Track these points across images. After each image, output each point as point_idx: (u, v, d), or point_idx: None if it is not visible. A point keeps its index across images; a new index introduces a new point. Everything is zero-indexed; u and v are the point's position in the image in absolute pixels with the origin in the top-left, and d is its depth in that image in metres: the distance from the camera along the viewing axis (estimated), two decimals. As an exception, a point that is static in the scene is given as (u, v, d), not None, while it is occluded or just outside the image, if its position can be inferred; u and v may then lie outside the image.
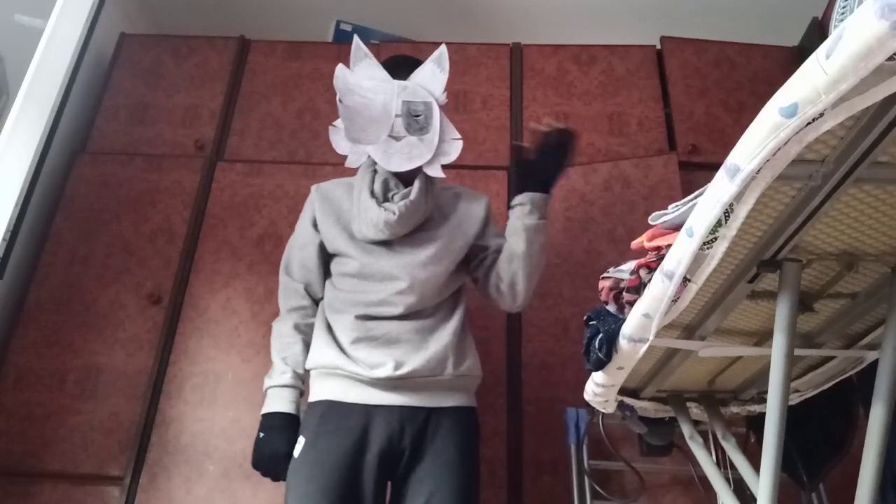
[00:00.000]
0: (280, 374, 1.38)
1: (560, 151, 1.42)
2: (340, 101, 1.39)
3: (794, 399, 1.20)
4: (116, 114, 2.31)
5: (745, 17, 2.69)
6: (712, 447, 1.31)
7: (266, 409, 1.36)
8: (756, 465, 0.89)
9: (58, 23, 2.05)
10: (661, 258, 0.88)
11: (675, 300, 0.85)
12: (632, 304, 0.98)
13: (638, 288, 0.96)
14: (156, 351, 1.92)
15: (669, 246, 0.84)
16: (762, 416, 0.86)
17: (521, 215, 1.42)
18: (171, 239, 2.07)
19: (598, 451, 1.65)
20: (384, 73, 1.41)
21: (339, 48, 2.44)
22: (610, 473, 1.68)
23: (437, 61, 1.43)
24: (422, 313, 1.38)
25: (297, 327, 1.44)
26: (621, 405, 1.31)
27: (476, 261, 1.49)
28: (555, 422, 1.77)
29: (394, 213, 1.36)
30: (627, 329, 0.98)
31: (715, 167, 0.71)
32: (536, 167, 1.43)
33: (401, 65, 1.45)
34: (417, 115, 1.38)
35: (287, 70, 2.38)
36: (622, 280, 1.01)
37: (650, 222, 0.97)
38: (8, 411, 1.84)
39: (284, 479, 1.28)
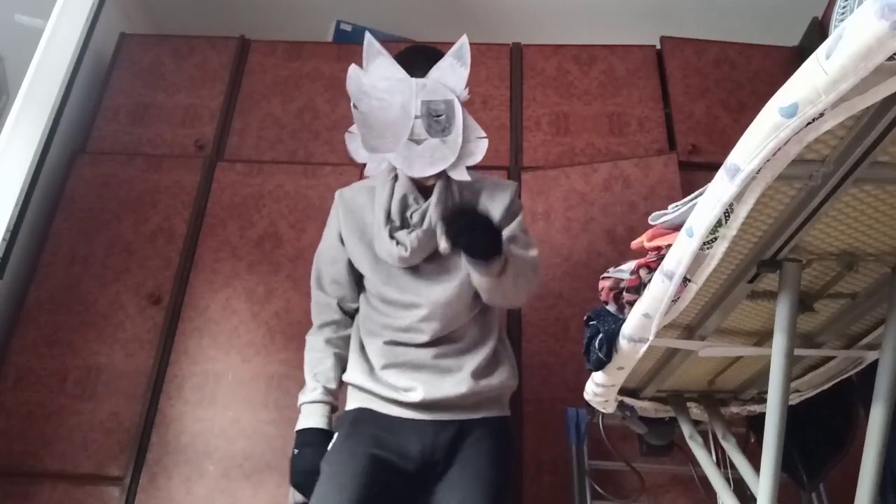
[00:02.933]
0: (311, 390, 1.37)
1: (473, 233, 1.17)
2: (355, 106, 1.30)
3: (794, 399, 1.20)
4: (116, 114, 2.31)
5: (745, 17, 2.69)
6: (712, 447, 1.31)
7: (299, 425, 1.36)
8: (756, 465, 0.89)
9: (58, 23, 2.05)
10: (661, 258, 0.88)
11: (675, 300, 0.85)
12: (632, 304, 0.98)
13: (638, 288, 0.97)
14: (156, 351, 1.91)
15: (669, 246, 0.84)
16: (762, 416, 0.86)
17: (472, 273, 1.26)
18: (171, 239, 2.07)
19: (598, 451, 1.65)
20: (401, 72, 1.30)
21: (339, 48, 2.44)
22: (610, 473, 1.68)
23: (458, 55, 1.33)
24: (451, 337, 1.33)
25: (328, 341, 1.42)
26: (621, 405, 1.31)
27: None
28: (555, 422, 1.76)
29: (406, 249, 1.30)
30: (627, 329, 0.98)
31: (715, 167, 0.71)
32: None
33: (418, 58, 1.35)
34: (438, 116, 1.28)
35: (287, 70, 2.38)
36: (622, 280, 1.01)
37: (650, 222, 0.97)
38: (8, 411, 1.84)
39: None
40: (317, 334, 1.44)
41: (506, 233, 1.34)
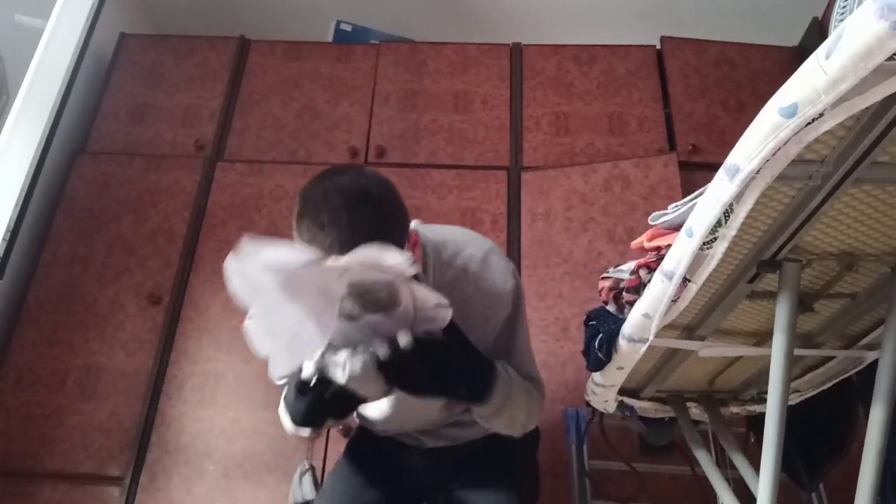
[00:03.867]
0: None
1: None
2: (250, 316, 0.89)
3: (794, 399, 1.20)
4: (116, 114, 2.31)
5: (745, 17, 2.69)
6: (712, 447, 1.31)
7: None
8: (756, 465, 0.89)
9: (58, 23, 2.06)
10: (661, 258, 0.88)
11: (674, 300, 0.85)
12: (632, 304, 0.98)
13: (638, 288, 0.97)
14: (156, 351, 1.91)
15: (669, 246, 0.84)
16: (762, 416, 0.86)
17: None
18: (171, 239, 2.07)
19: (598, 451, 1.65)
20: (305, 253, 0.83)
21: (339, 48, 2.44)
22: (610, 473, 1.68)
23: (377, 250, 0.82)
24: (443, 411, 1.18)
25: None
26: (621, 405, 1.31)
27: None
28: (555, 422, 1.76)
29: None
30: (627, 329, 0.98)
31: (715, 167, 0.71)
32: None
33: (334, 209, 0.88)
34: (377, 295, 0.85)
35: (287, 70, 2.38)
36: (622, 280, 1.01)
37: (650, 222, 0.97)
38: (8, 411, 1.84)
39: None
40: None
41: (501, 346, 1.10)
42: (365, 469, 1.27)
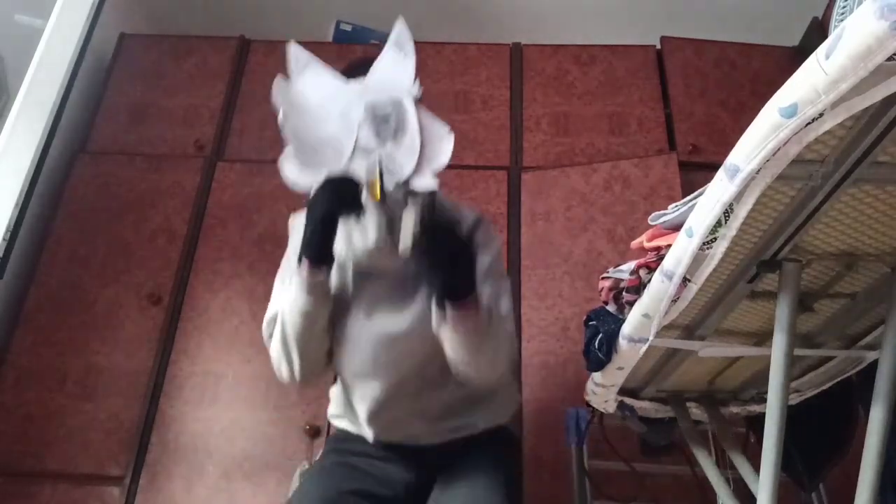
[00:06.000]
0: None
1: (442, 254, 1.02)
2: (282, 123, 1.06)
3: (794, 399, 1.20)
4: (116, 114, 2.31)
5: (745, 17, 2.69)
6: (712, 447, 1.31)
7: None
8: (756, 465, 0.89)
9: (58, 23, 2.05)
10: (661, 258, 0.88)
11: (674, 300, 0.85)
12: (632, 304, 0.98)
13: (638, 288, 0.97)
14: (156, 351, 1.91)
15: (669, 246, 0.84)
16: (762, 416, 0.86)
17: (440, 327, 1.08)
18: (171, 239, 2.07)
19: (598, 451, 1.65)
20: (335, 78, 1.11)
21: (339, 48, 2.45)
22: (610, 473, 1.68)
23: (397, 44, 1.11)
24: (425, 368, 1.18)
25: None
26: (621, 405, 1.31)
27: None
28: (555, 422, 1.76)
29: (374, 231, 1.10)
30: (627, 329, 0.98)
31: (715, 167, 0.71)
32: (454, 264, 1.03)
33: (359, 67, 1.14)
34: (387, 118, 1.05)
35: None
36: (622, 280, 1.01)
37: (650, 222, 0.97)
38: (8, 411, 1.84)
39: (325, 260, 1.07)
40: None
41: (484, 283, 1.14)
42: (344, 472, 1.23)
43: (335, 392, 1.35)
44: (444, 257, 1.01)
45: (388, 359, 1.16)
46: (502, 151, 2.21)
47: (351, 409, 1.26)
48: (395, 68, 1.08)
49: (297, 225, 1.24)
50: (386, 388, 1.17)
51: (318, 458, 1.34)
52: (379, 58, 1.11)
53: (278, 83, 1.07)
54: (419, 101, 1.09)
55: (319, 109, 1.07)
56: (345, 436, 1.31)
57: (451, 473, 1.21)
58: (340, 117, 1.06)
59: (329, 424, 1.71)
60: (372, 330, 1.15)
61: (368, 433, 1.24)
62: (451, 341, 1.08)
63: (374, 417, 1.20)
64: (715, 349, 1.03)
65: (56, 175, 2.16)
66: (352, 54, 2.39)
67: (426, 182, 1.02)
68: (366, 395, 1.19)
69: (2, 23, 2.13)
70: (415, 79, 1.08)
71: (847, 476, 0.98)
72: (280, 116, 1.05)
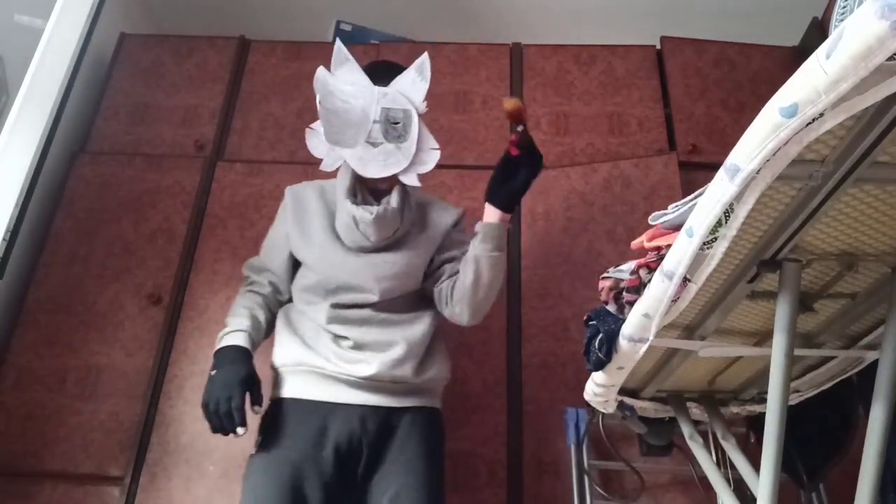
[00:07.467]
0: (228, 327, 1.39)
1: (531, 168, 1.34)
2: (320, 102, 1.38)
3: (794, 399, 1.20)
4: (116, 114, 2.31)
5: (745, 17, 2.69)
6: (712, 447, 1.31)
7: (216, 348, 1.36)
8: (756, 465, 0.89)
9: (58, 23, 2.05)
10: (661, 258, 0.88)
11: (675, 300, 0.85)
12: (632, 304, 0.98)
13: (638, 288, 0.97)
14: (156, 351, 1.91)
15: (669, 246, 0.84)
16: (762, 416, 0.86)
17: (476, 244, 1.36)
18: (171, 239, 2.07)
19: (598, 451, 1.65)
20: (365, 79, 1.40)
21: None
22: (610, 473, 1.68)
23: (420, 69, 1.42)
24: (393, 305, 1.39)
25: (258, 303, 1.44)
26: (621, 405, 1.31)
27: (432, 278, 1.47)
28: (555, 422, 1.76)
29: (371, 213, 1.35)
30: (627, 329, 0.98)
31: (715, 167, 0.71)
32: (517, 172, 1.34)
33: (382, 70, 1.44)
34: (396, 123, 1.37)
35: (287, 70, 2.38)
36: (622, 280, 1.01)
37: (650, 222, 0.97)
38: (8, 411, 1.84)
39: (237, 428, 1.29)
40: (245, 295, 1.46)
41: (453, 252, 1.47)
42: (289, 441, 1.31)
43: (280, 336, 1.46)
44: (532, 172, 1.32)
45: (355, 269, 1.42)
46: (502, 151, 2.20)
47: None
48: (413, 87, 1.41)
49: (289, 197, 1.51)
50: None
51: None
52: (403, 73, 1.42)
53: (321, 71, 1.39)
54: (422, 116, 1.40)
55: (348, 101, 1.37)
56: (285, 405, 1.40)
57: (389, 447, 1.32)
58: (362, 111, 1.37)
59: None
60: (369, 270, 1.41)
61: (317, 359, 1.38)
62: (483, 259, 1.34)
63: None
64: (715, 349, 1.03)
65: (56, 175, 2.16)
66: (352, 54, 2.39)
67: (411, 180, 1.38)
68: None
69: (2, 23, 2.13)
70: (424, 99, 1.40)
71: (847, 476, 0.98)
72: (318, 97, 1.37)
